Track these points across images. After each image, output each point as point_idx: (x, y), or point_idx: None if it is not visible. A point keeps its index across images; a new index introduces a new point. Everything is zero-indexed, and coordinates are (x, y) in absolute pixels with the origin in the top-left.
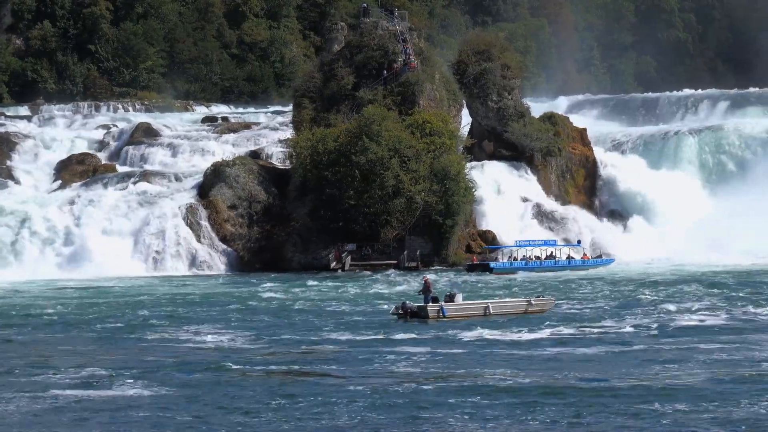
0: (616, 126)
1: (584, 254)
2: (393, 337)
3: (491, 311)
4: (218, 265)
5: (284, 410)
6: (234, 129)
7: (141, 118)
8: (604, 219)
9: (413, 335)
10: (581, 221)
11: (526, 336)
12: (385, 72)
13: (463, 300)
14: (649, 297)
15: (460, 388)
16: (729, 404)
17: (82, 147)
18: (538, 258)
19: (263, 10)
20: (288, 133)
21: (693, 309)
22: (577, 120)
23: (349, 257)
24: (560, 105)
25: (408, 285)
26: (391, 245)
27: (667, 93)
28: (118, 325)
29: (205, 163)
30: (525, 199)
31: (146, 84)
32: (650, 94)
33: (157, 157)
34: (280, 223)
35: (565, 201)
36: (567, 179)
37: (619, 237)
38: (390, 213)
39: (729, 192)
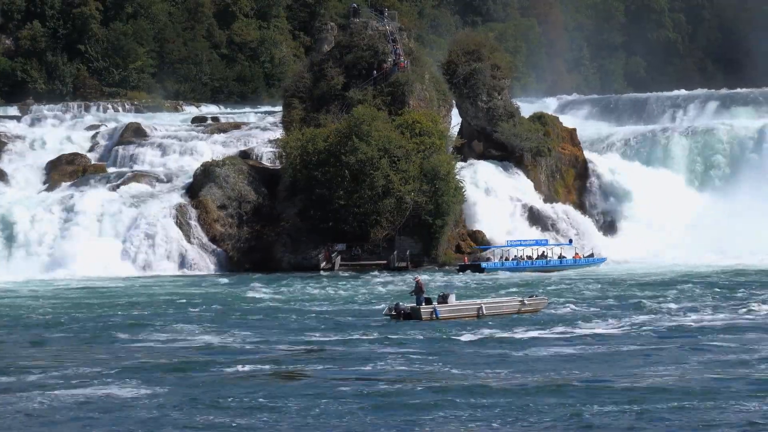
0: (605, 126)
1: (576, 253)
2: (386, 338)
3: (484, 312)
4: (208, 265)
5: (278, 411)
6: (224, 129)
7: (131, 118)
8: (595, 219)
9: (406, 336)
10: (572, 221)
11: (520, 336)
12: (374, 72)
13: (456, 300)
14: (642, 296)
15: (454, 389)
16: (726, 404)
17: (71, 147)
18: (529, 258)
19: (253, 10)
20: (278, 133)
21: (686, 308)
22: (567, 120)
23: (339, 257)
24: (550, 105)
25: (395, 285)
26: (380, 245)
27: (657, 93)
28: (109, 325)
29: (194, 163)
30: (515, 199)
31: (136, 84)
32: (640, 94)
33: (147, 157)
34: (270, 223)
35: (554, 201)
36: (557, 179)
37: (609, 237)
38: (380, 213)
39: (718, 192)
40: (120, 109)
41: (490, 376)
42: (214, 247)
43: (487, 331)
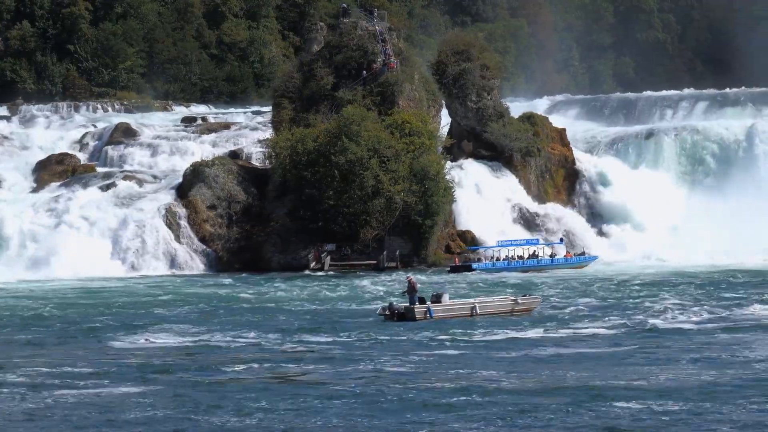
0: (595, 126)
1: (567, 252)
2: (380, 338)
3: (478, 311)
4: (197, 265)
5: (273, 411)
6: (213, 129)
7: (120, 118)
8: (584, 218)
9: (401, 336)
10: (562, 220)
11: (514, 336)
12: (364, 72)
13: (450, 300)
14: (634, 296)
15: (449, 390)
16: (722, 404)
17: (61, 147)
18: (521, 258)
19: (242, 11)
20: (267, 134)
21: (678, 308)
22: (557, 120)
23: (329, 257)
24: (539, 105)
25: (383, 285)
26: (370, 245)
27: (646, 93)
28: (99, 325)
29: (184, 164)
30: (504, 200)
31: (125, 84)
32: (629, 95)
33: (137, 157)
34: (260, 224)
35: (544, 201)
36: (546, 179)
37: (599, 236)
38: (369, 213)
39: (707, 192)
40: (109, 109)
41: (485, 377)
42: (204, 247)
43: (481, 331)
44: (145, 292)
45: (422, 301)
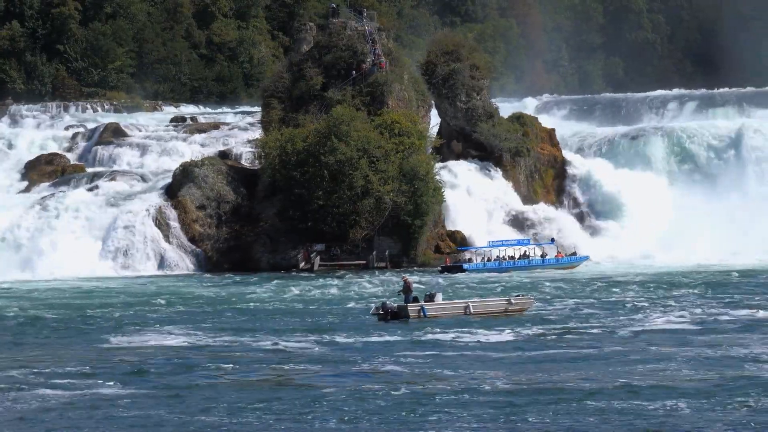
0: (584, 126)
1: (558, 252)
2: (374, 338)
3: (472, 311)
4: (187, 265)
5: (267, 411)
6: (203, 129)
7: (110, 118)
8: (574, 218)
9: (395, 336)
10: (552, 220)
11: (508, 336)
12: (353, 72)
13: (443, 299)
14: (625, 296)
15: (443, 390)
16: (715, 404)
17: (51, 147)
18: (512, 258)
19: (232, 11)
20: (257, 134)
21: (670, 308)
22: (546, 120)
23: (318, 257)
24: (529, 105)
25: (373, 286)
26: (359, 245)
27: (636, 93)
28: (89, 324)
29: (173, 164)
30: (494, 200)
31: (115, 84)
32: (618, 95)
33: (126, 157)
34: (249, 224)
35: (533, 201)
36: (535, 179)
37: (589, 236)
38: (359, 213)
39: (697, 191)
40: (99, 109)
41: (480, 377)
42: (193, 247)
43: (473, 332)
44: (134, 292)
45: (416, 300)
